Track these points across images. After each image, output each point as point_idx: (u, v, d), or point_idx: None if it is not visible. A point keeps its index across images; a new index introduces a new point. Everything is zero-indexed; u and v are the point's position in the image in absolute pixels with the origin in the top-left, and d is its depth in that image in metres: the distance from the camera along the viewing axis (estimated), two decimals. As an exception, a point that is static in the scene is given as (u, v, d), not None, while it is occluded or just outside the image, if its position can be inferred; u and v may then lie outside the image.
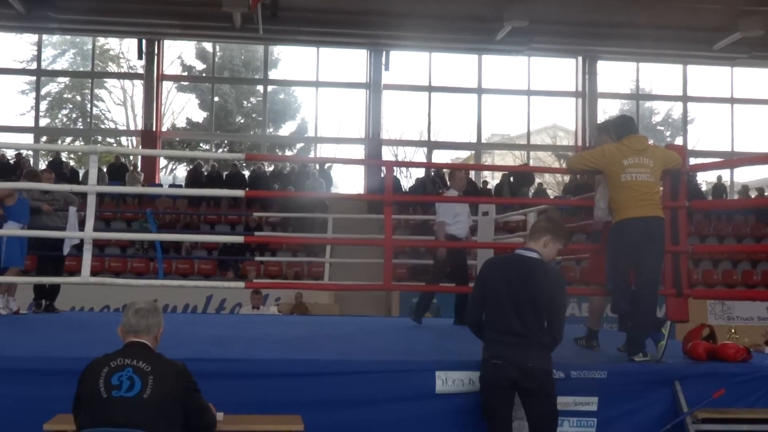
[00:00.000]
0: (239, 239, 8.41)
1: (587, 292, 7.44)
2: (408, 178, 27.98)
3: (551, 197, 25.21)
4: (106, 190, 15.27)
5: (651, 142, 6.54)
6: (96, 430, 4.08)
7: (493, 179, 26.35)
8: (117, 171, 23.93)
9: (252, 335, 7.72)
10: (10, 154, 24.84)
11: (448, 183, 11.80)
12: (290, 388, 5.33)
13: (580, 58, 28.61)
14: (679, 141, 30.23)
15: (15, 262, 9.54)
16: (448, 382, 5.47)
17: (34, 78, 28.35)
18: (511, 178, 24.76)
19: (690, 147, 28.01)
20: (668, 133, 32.99)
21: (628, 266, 6.11)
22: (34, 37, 27.77)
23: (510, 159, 32.08)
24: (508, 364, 4.87)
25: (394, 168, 22.26)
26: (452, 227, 9.36)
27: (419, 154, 30.27)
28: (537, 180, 26.29)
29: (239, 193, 8.88)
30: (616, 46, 27.07)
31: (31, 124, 28.00)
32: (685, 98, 30.13)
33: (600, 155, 6.32)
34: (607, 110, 29.67)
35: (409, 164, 38.68)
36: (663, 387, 5.76)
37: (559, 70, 29.20)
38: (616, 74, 29.96)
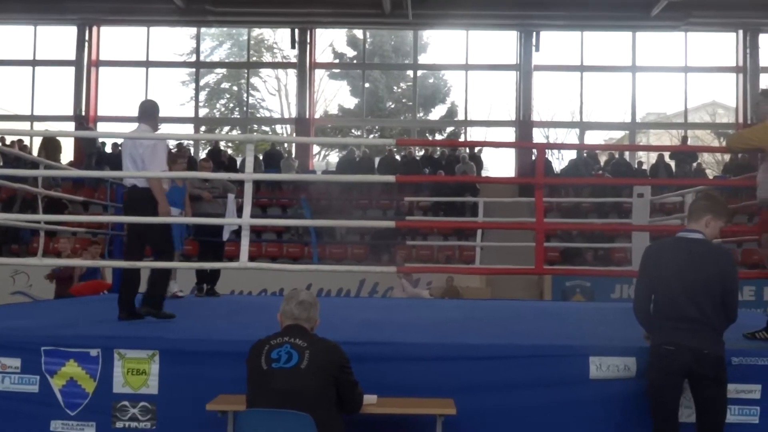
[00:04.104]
0: (391, 224, 8.35)
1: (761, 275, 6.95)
2: (560, 160, 27.50)
3: (710, 177, 24.29)
4: (262, 177, 15.70)
5: None
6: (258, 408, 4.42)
7: (648, 159, 25.59)
8: (272, 158, 24.52)
9: (404, 319, 7.80)
10: (171, 143, 25.88)
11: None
12: (443, 371, 5.38)
13: (740, 32, 27.25)
14: None
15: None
16: (602, 367, 5.39)
17: (193, 70, 29.41)
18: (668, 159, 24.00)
19: None
20: (840, 108, 31.12)
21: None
22: (193, 30, 28.80)
23: (666, 138, 31.05)
24: (683, 351, 4.72)
25: (546, 150, 22.10)
26: None
27: (571, 136, 29.76)
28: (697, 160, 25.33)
29: (390, 178, 8.81)
30: (781, 17, 25.71)
31: (191, 114, 29.03)
32: None
33: (762, 132, 6.01)
34: (770, 85, 28.14)
35: (560, 146, 38.03)
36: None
37: (718, 45, 27.90)
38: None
